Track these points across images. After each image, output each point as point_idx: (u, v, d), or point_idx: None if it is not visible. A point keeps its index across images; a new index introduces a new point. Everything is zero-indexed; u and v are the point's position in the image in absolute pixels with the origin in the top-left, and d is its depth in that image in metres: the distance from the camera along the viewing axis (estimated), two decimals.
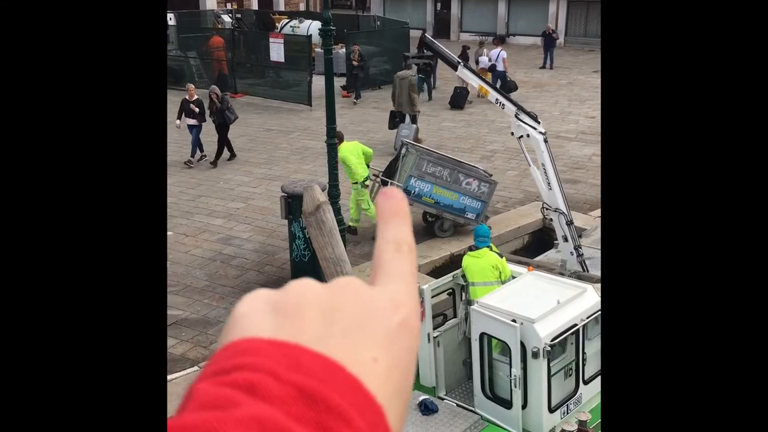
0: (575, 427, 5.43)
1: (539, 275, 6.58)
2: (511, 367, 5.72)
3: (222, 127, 13.51)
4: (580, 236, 9.27)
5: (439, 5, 32.62)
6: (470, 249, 7.19)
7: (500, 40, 22.16)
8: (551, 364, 5.73)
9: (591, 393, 6.05)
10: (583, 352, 5.99)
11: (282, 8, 32.05)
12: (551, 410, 5.80)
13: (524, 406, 5.77)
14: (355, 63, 18.53)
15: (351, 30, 22.50)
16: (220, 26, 23.88)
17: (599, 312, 5.90)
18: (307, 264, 8.52)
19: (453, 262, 7.73)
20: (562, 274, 7.78)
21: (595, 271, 8.59)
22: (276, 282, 8.93)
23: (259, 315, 0.40)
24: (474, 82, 9.31)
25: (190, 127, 13.44)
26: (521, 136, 8.73)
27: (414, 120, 14.54)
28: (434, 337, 6.41)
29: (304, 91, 18.39)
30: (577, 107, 18.31)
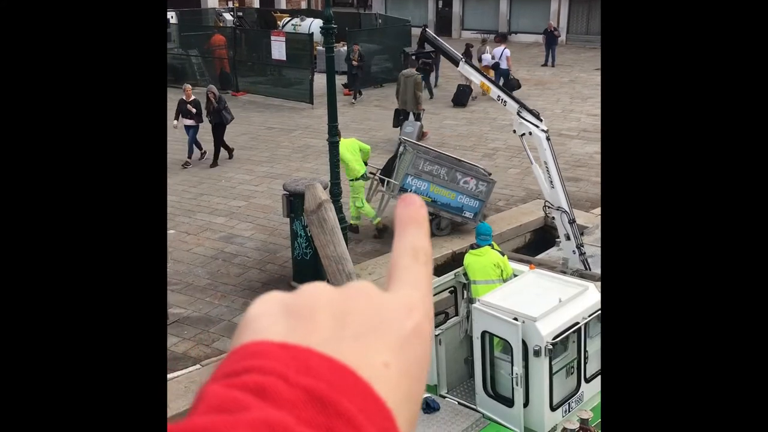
0: (577, 425, 5.43)
1: (541, 273, 6.57)
2: (512, 365, 5.72)
3: (219, 127, 13.38)
4: (582, 234, 9.26)
5: (440, 3, 32.57)
6: (472, 247, 7.18)
7: (502, 38, 22.12)
8: (553, 363, 5.73)
9: (593, 391, 6.05)
10: (585, 351, 5.98)
11: (283, 6, 32.03)
12: (553, 408, 5.80)
13: (526, 405, 5.77)
14: (354, 63, 18.48)
15: (352, 28, 22.48)
16: (221, 24, 23.87)
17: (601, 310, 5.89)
18: (308, 262, 8.52)
19: (454, 261, 7.73)
20: (563, 272, 7.77)
21: (597, 269, 8.58)
22: (278, 280, 8.93)
23: (271, 318, 0.40)
24: (476, 79, 9.28)
25: (187, 127, 13.28)
26: (523, 134, 8.69)
27: (418, 118, 14.54)
28: (436, 336, 6.41)
29: (306, 89, 18.38)
30: (579, 105, 18.29)
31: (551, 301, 5.83)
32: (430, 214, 10.12)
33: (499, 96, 8.86)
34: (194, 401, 0.35)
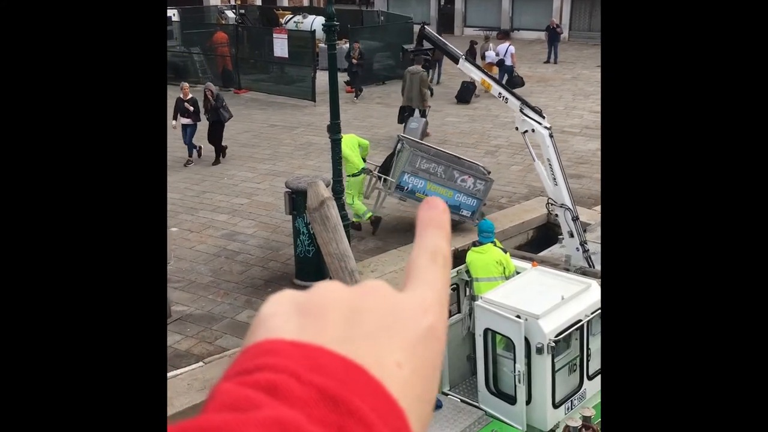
0: (580, 422, 5.44)
1: (544, 270, 6.57)
2: (515, 362, 5.72)
3: (216, 125, 13.23)
4: (584, 231, 9.25)
5: (442, 0, 32.53)
6: (474, 244, 7.18)
7: (505, 35, 22.10)
8: (555, 360, 5.73)
9: (595, 389, 6.05)
10: (588, 348, 5.98)
11: (285, 3, 32.01)
12: (555, 406, 5.80)
13: (528, 402, 5.77)
14: (354, 61, 18.42)
15: (354, 25, 22.45)
16: (223, 22, 23.86)
17: None
18: (311, 260, 8.53)
19: (457, 258, 7.72)
20: (566, 270, 7.77)
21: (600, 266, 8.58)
22: (280, 278, 8.94)
23: (284, 316, 0.39)
24: (476, 76, 9.25)
25: (185, 126, 13.11)
26: (526, 131, 8.67)
27: (423, 114, 14.55)
28: None
29: (308, 86, 18.36)
30: (582, 102, 18.26)
31: (554, 299, 5.83)
32: None
33: (500, 93, 8.84)
34: (207, 399, 0.35)
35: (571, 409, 5.91)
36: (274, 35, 19.69)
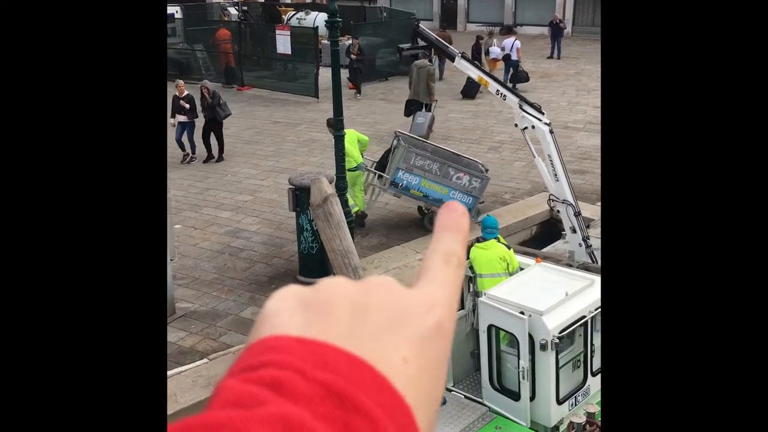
0: (583, 419, 5.44)
1: (547, 267, 6.56)
2: (519, 359, 5.72)
3: (212, 123, 13.07)
4: (588, 227, 9.23)
5: None
6: (478, 240, 7.18)
7: (508, 30, 22.05)
8: (559, 356, 5.73)
9: (599, 385, 6.05)
10: (592, 344, 5.98)
11: (288, 0, 31.98)
12: (559, 402, 5.80)
13: (532, 398, 5.77)
14: (353, 56, 18.35)
15: (357, 22, 22.43)
16: (226, 19, 23.86)
17: None
18: (314, 256, 8.53)
19: None
20: (570, 266, 7.76)
21: None
22: (284, 274, 8.95)
23: (289, 312, 0.39)
24: (473, 74, 9.21)
25: (182, 124, 12.98)
26: (526, 128, 8.64)
27: (428, 108, 14.57)
28: None
29: (311, 83, 18.35)
30: (585, 97, 18.22)
31: (558, 295, 5.82)
32: (421, 209, 10.14)
33: (498, 90, 8.80)
34: (211, 396, 0.35)
35: (575, 405, 5.91)
36: (277, 32, 19.68)
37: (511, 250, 7.08)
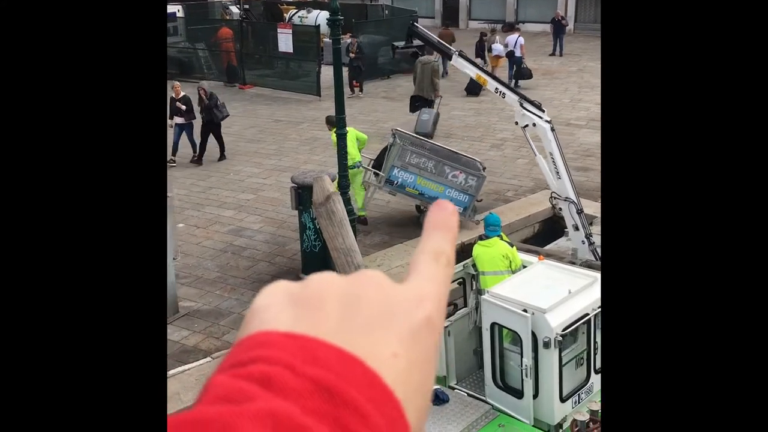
0: (587, 416, 5.43)
1: (550, 264, 6.55)
2: (522, 356, 5.72)
3: (209, 125, 12.96)
4: (590, 224, 9.22)
5: None
6: (480, 238, 7.17)
7: (510, 27, 22.03)
8: (562, 354, 5.72)
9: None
10: (595, 342, 5.97)
11: None
12: (563, 400, 5.80)
13: (535, 396, 5.77)
14: (352, 55, 18.26)
15: (359, 20, 22.43)
16: (228, 17, 23.88)
17: None
18: (317, 254, 8.54)
19: (463, 252, 7.72)
20: (573, 263, 7.75)
21: None
22: (287, 273, 8.96)
23: (278, 307, 0.39)
24: (471, 72, 9.20)
25: (179, 125, 12.86)
26: (526, 125, 8.62)
27: (431, 104, 14.59)
28: (445, 327, 6.42)
29: (313, 81, 18.36)
30: (587, 94, 18.21)
31: (561, 293, 5.81)
32: (419, 207, 10.14)
33: (497, 88, 8.79)
34: (201, 392, 0.35)
35: (579, 403, 5.90)
36: (279, 30, 19.68)
37: (514, 247, 7.08)
